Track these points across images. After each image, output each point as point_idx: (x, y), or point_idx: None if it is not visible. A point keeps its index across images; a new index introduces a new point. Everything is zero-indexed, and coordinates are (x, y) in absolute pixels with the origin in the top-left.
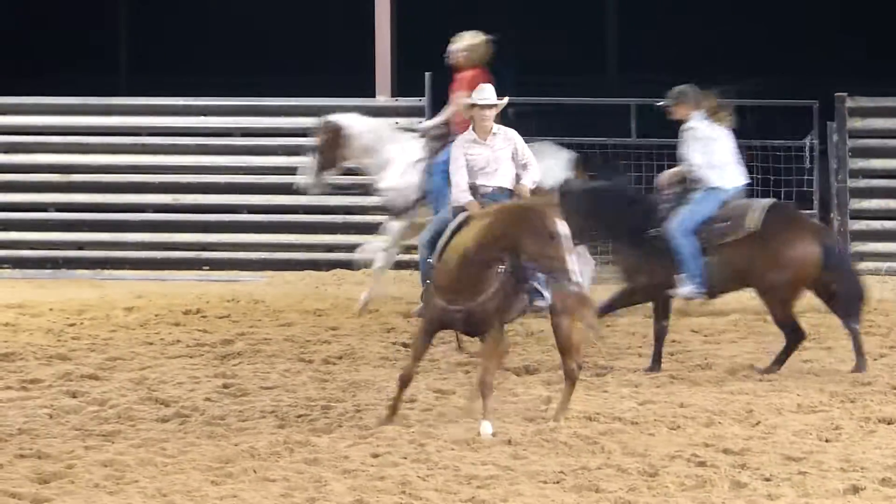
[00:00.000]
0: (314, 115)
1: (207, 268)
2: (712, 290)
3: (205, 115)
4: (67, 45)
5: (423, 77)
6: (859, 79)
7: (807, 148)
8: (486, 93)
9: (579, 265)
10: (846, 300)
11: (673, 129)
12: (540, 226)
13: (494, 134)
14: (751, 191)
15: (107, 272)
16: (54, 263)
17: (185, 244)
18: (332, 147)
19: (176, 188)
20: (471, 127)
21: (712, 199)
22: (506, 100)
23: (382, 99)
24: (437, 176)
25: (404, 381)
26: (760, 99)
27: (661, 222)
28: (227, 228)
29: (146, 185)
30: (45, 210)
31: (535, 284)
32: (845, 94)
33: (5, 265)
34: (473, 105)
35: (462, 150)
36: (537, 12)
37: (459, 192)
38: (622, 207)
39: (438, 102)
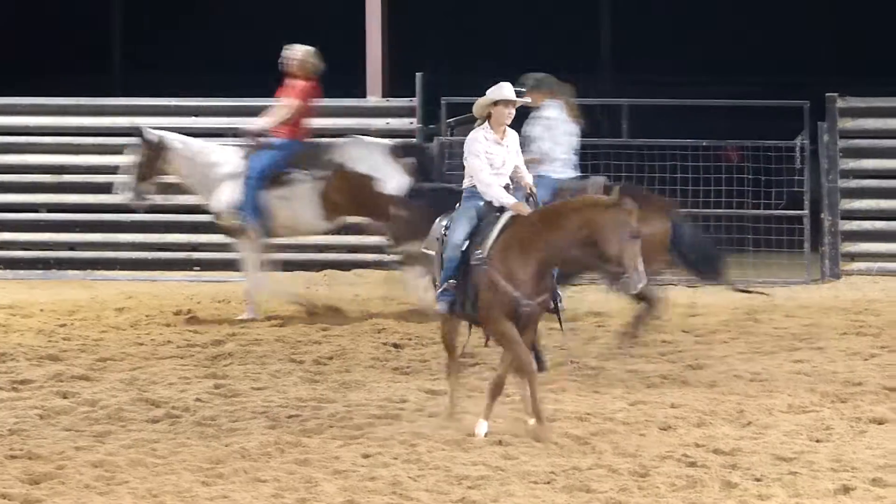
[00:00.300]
0: None
1: (198, 268)
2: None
3: (196, 115)
4: (60, 46)
5: (414, 77)
6: (850, 79)
7: (798, 148)
8: (507, 90)
9: None
10: (704, 265)
11: (665, 129)
12: (626, 225)
13: (506, 133)
14: (742, 191)
15: (98, 273)
16: (46, 264)
17: (176, 245)
18: (151, 161)
19: (167, 189)
20: (487, 124)
21: (544, 187)
22: (527, 99)
23: (373, 99)
24: (248, 185)
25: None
26: (752, 99)
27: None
28: (218, 229)
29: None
30: (36, 211)
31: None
32: (836, 94)
33: None
34: (496, 102)
35: (483, 148)
36: (530, 11)
37: (497, 191)
38: None
39: (430, 102)
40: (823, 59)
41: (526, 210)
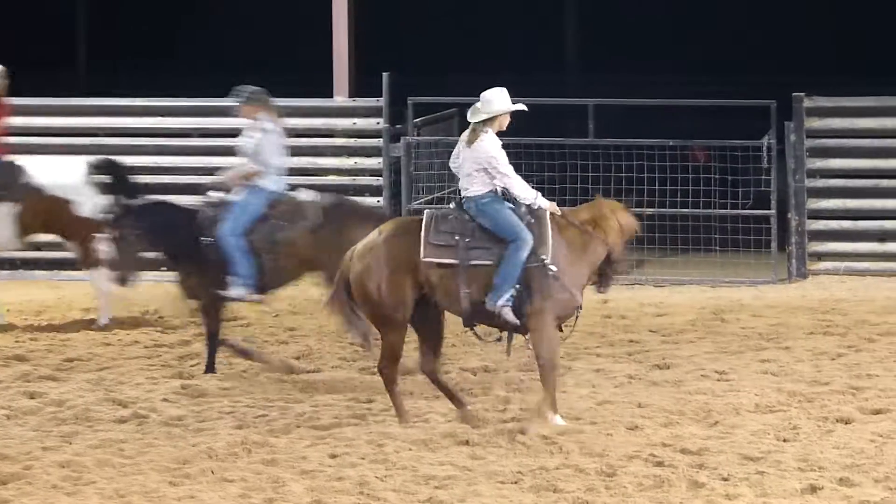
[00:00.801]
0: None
1: (165, 268)
2: (265, 288)
3: (163, 115)
4: (26, 44)
5: (381, 77)
6: (817, 78)
7: (764, 148)
8: (510, 99)
9: None
10: None
11: (632, 128)
12: (630, 229)
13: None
14: (708, 191)
15: (64, 273)
16: (12, 264)
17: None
18: None
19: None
20: (492, 130)
21: (259, 198)
22: (524, 106)
23: (340, 99)
24: None
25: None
26: (718, 99)
27: (211, 228)
28: None
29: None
30: None
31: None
32: (803, 94)
33: None
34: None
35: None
36: (494, 11)
37: (531, 191)
38: (173, 219)
39: (397, 102)
40: (797, 57)
41: (558, 210)
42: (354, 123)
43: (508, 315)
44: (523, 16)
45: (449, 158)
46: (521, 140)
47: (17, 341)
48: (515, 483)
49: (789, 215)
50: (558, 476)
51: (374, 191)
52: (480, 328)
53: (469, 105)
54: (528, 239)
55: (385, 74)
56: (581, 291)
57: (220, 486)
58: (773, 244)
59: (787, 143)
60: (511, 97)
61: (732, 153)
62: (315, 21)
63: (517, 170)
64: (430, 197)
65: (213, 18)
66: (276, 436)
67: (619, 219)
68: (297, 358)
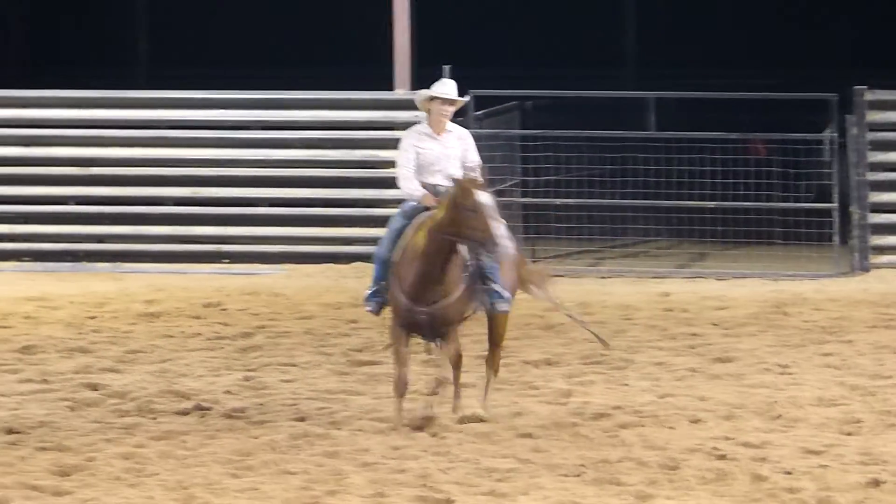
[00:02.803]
0: (333, 108)
1: (227, 261)
2: None
3: (224, 108)
4: (87, 38)
5: (441, 70)
6: (878, 71)
7: (826, 141)
8: (448, 87)
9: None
10: None
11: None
12: (462, 202)
13: (449, 131)
14: (770, 184)
15: (127, 265)
16: (74, 256)
17: (205, 237)
18: None
19: (195, 181)
20: (426, 119)
21: None
22: (466, 98)
23: (401, 92)
24: None
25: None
26: (780, 92)
27: None
28: (247, 221)
29: (166, 179)
30: (64, 203)
31: (495, 286)
32: (864, 87)
33: (25, 258)
34: (434, 98)
35: (413, 142)
36: (554, 3)
37: (410, 184)
38: None
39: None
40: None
41: (432, 202)
42: (416, 116)
43: (368, 308)
44: (584, 8)
45: (511, 151)
46: (580, 133)
47: (79, 333)
48: (577, 476)
49: (851, 209)
50: (620, 469)
51: None
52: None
53: (530, 98)
54: (387, 237)
55: (446, 67)
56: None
57: (281, 479)
58: (835, 238)
59: (849, 137)
60: (563, 89)
61: (794, 147)
62: (376, 13)
63: (574, 162)
64: (491, 190)
65: (274, 11)
66: (337, 428)
67: (445, 200)
68: (359, 350)
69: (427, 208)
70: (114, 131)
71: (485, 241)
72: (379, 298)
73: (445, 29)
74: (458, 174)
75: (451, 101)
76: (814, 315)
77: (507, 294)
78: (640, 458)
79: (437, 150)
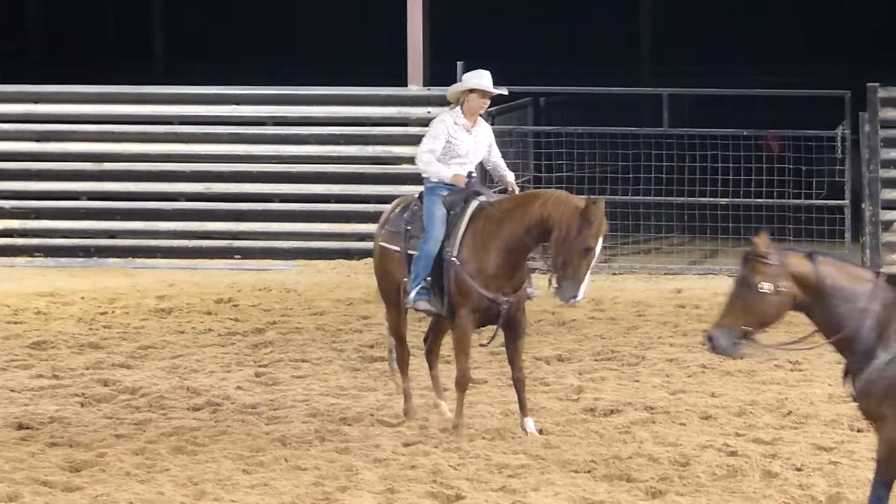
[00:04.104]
0: (347, 104)
1: (239, 257)
2: None
3: (237, 103)
4: (101, 34)
5: (456, 66)
6: (891, 68)
7: (839, 138)
8: (486, 79)
9: None
10: None
11: (706, 118)
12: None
13: (479, 125)
14: (782, 181)
15: (139, 261)
16: (86, 252)
17: (217, 233)
18: None
19: (208, 177)
20: (459, 110)
21: None
22: (504, 90)
23: (415, 88)
24: None
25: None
26: (793, 89)
27: None
28: (259, 217)
29: (178, 174)
30: (77, 199)
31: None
32: (877, 84)
33: (37, 253)
34: (473, 90)
35: (447, 129)
36: (571, 0)
37: (436, 167)
38: None
39: None
40: (865, 49)
41: (462, 180)
42: (429, 112)
43: (423, 307)
44: (598, 4)
45: (524, 147)
46: (593, 129)
47: (90, 329)
48: (588, 472)
49: (863, 205)
50: (631, 465)
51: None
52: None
53: (543, 94)
54: (435, 234)
55: (459, 63)
56: (494, 285)
57: (293, 474)
58: (847, 234)
59: (862, 134)
60: (577, 85)
61: (806, 143)
62: (390, 10)
63: (588, 158)
64: (503, 185)
65: (288, 7)
66: (349, 424)
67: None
68: (371, 346)
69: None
70: (126, 127)
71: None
72: (428, 296)
73: (459, 25)
74: (514, 184)
75: (489, 93)
76: None
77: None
78: (652, 455)
79: (469, 142)
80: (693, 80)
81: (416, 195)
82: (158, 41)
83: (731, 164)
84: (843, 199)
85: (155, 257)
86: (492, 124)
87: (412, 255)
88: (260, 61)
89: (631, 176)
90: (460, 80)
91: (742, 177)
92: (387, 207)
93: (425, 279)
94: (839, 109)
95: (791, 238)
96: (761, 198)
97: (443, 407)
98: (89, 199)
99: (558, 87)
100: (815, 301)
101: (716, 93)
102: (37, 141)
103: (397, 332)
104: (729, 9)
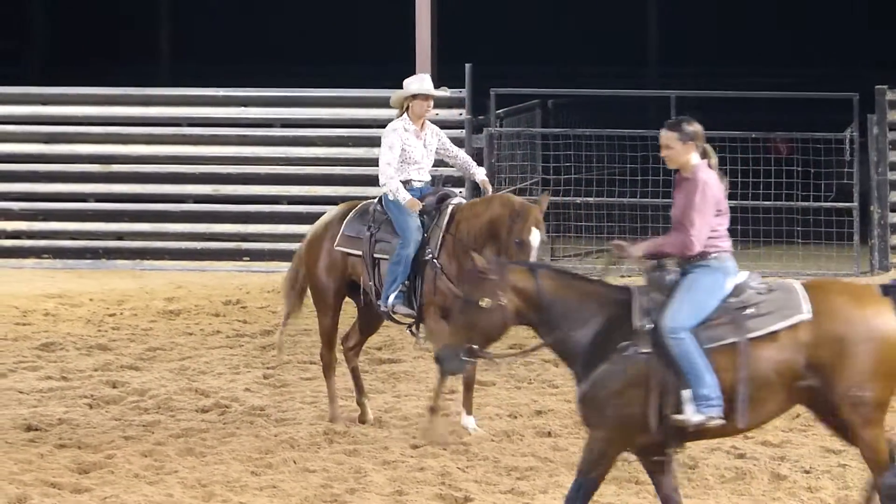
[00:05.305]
0: (355, 105)
1: (248, 258)
2: None
3: (245, 105)
4: (108, 35)
5: (464, 68)
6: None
7: (847, 140)
8: (427, 83)
9: None
10: None
11: (713, 120)
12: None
13: (427, 127)
14: (791, 183)
15: (147, 262)
16: (94, 254)
17: (226, 235)
18: None
19: (216, 179)
20: (406, 116)
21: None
22: (446, 92)
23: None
24: None
25: None
26: (801, 91)
27: None
28: (268, 219)
29: (186, 176)
30: (85, 200)
31: None
32: (885, 86)
33: (45, 255)
34: (415, 96)
35: (399, 137)
36: (578, 3)
37: (395, 185)
38: None
39: (479, 94)
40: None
41: (417, 207)
42: (437, 114)
43: (402, 310)
44: (606, 7)
45: (532, 149)
46: (601, 131)
47: (99, 330)
48: None
49: (871, 208)
50: (640, 468)
51: (456, 182)
52: None
53: (552, 97)
54: (413, 238)
55: (468, 65)
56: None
57: (301, 476)
58: (856, 237)
59: (870, 136)
60: (585, 88)
61: (815, 146)
62: (398, 11)
63: (596, 161)
64: (512, 188)
65: (295, 9)
66: (357, 426)
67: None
68: (379, 349)
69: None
70: (135, 128)
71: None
72: (403, 299)
73: (467, 27)
74: (487, 182)
75: (432, 97)
76: None
77: None
78: None
79: (419, 147)
80: (701, 82)
81: (376, 199)
82: (166, 41)
83: (739, 167)
84: (852, 202)
85: (163, 259)
86: (500, 126)
87: (378, 258)
88: (269, 62)
89: (639, 178)
90: (469, 82)
91: (750, 179)
92: (332, 210)
93: (403, 283)
94: (847, 112)
95: (799, 240)
96: (770, 200)
97: (366, 407)
98: (97, 200)
99: (566, 90)
100: (537, 314)
101: (724, 95)
102: (45, 143)
103: (330, 335)
104: (736, 11)
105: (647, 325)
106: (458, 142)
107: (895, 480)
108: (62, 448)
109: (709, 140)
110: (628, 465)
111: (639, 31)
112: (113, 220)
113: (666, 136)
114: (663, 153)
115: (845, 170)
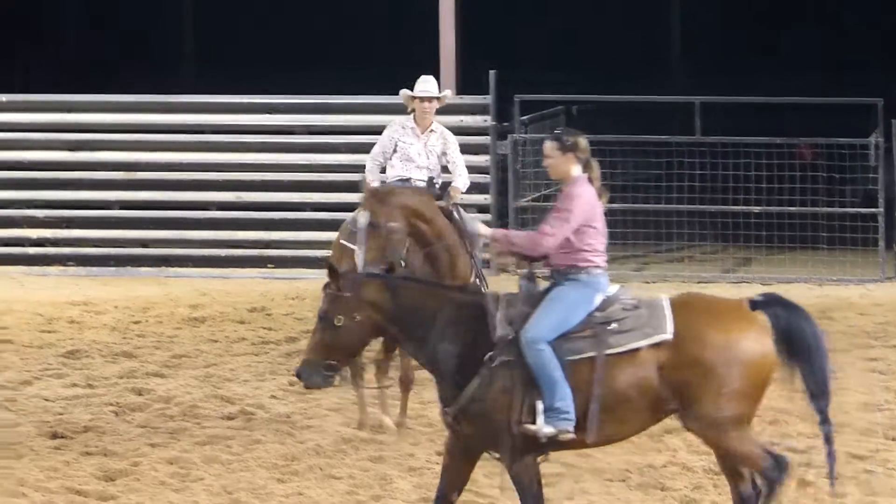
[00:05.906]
0: (379, 112)
1: (272, 265)
2: None
3: (268, 112)
4: (133, 42)
5: (488, 74)
6: None
7: (872, 146)
8: (428, 85)
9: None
10: None
11: (738, 126)
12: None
13: (432, 131)
14: (815, 189)
15: (171, 270)
16: (118, 261)
17: (249, 242)
18: None
19: (240, 186)
20: (412, 116)
21: None
22: (448, 93)
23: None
24: None
25: None
26: (826, 97)
27: None
28: (291, 226)
29: (210, 183)
30: (109, 208)
31: None
32: None
33: (70, 262)
34: (414, 97)
35: (391, 134)
36: (602, 10)
37: (370, 176)
38: None
39: (504, 100)
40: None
41: (370, 187)
42: (461, 121)
43: None
44: (630, 13)
45: None
46: (626, 138)
47: (124, 338)
48: (623, 481)
49: None
50: (665, 474)
51: (481, 188)
52: None
53: (576, 102)
54: None
55: (492, 72)
56: None
57: (327, 483)
58: (881, 242)
59: (895, 141)
60: (609, 94)
61: (840, 151)
62: (422, 18)
63: (621, 167)
64: (536, 195)
65: (320, 16)
66: (382, 433)
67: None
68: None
69: None
70: (158, 136)
71: None
72: None
73: (492, 33)
74: (457, 191)
75: (431, 99)
76: (859, 320)
77: None
78: (686, 463)
79: (418, 145)
80: (725, 88)
81: None
82: (190, 48)
83: (763, 173)
84: (877, 207)
85: (187, 266)
86: (524, 132)
87: None
88: (294, 68)
89: (664, 184)
90: (493, 88)
91: (775, 185)
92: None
93: None
94: (872, 117)
95: (824, 246)
96: (794, 206)
97: (387, 421)
98: (121, 208)
99: (591, 96)
100: (395, 326)
101: (748, 101)
102: (69, 150)
103: None
104: (760, 17)
105: (510, 335)
106: (482, 148)
107: (752, 493)
108: (88, 455)
109: (733, 146)
110: (654, 470)
111: (663, 37)
112: (137, 227)
113: (548, 146)
114: (544, 162)
115: (870, 175)
